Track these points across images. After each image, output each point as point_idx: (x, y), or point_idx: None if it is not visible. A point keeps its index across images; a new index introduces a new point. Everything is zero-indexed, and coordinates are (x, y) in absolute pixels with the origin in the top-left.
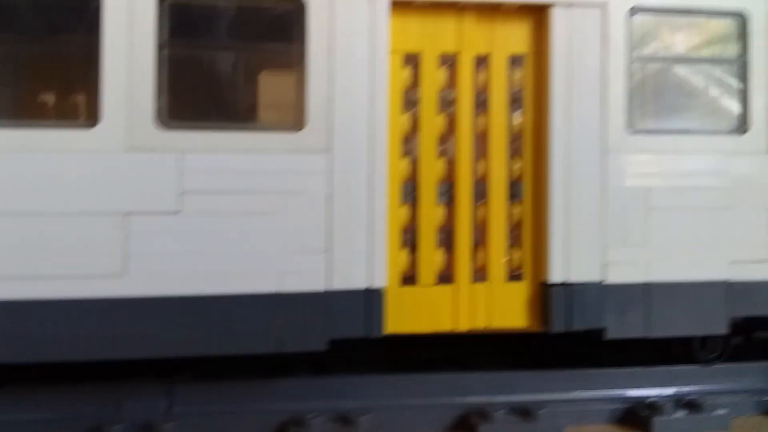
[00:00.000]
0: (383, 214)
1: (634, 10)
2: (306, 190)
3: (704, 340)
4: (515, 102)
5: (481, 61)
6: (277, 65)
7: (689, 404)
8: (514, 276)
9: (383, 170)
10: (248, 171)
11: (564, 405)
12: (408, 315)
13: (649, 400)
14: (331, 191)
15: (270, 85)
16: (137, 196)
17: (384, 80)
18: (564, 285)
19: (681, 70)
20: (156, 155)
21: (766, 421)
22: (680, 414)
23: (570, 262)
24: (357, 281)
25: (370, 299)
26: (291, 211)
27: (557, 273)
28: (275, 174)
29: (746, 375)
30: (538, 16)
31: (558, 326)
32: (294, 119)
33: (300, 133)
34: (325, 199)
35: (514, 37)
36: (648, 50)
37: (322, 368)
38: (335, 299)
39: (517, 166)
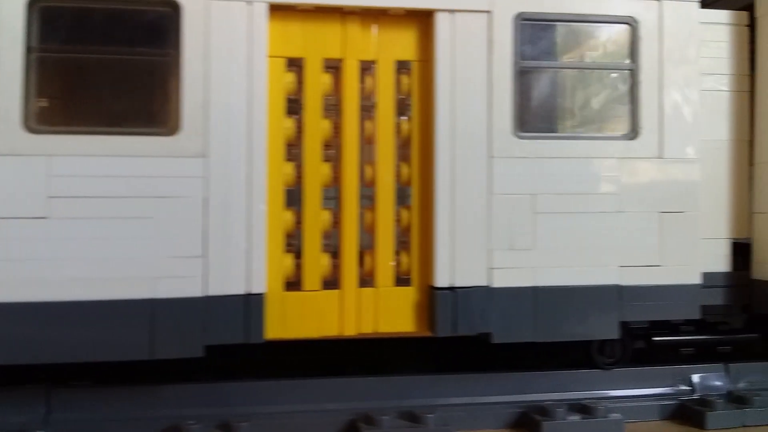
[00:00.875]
0: (262, 219)
1: (520, 17)
2: (181, 195)
3: (602, 345)
4: (404, 107)
5: (369, 67)
6: (151, 69)
7: (583, 408)
8: (403, 280)
9: (262, 175)
10: (120, 175)
11: (454, 409)
12: (292, 320)
13: (545, 403)
14: (208, 196)
15: (143, 89)
16: (3, 200)
17: (263, 85)
18: (450, 289)
19: (570, 76)
20: (23, 159)
21: (662, 426)
22: (573, 418)
23: (455, 267)
24: (235, 287)
25: (249, 305)
26: (165, 215)
27: (443, 277)
28: (148, 178)
29: (646, 379)
30: (424, 22)
31: (443, 330)
32: (168, 123)
33: (174, 138)
34: (202, 204)
35: (401, 43)
36: (535, 56)
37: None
38: (212, 305)
39: (406, 171)
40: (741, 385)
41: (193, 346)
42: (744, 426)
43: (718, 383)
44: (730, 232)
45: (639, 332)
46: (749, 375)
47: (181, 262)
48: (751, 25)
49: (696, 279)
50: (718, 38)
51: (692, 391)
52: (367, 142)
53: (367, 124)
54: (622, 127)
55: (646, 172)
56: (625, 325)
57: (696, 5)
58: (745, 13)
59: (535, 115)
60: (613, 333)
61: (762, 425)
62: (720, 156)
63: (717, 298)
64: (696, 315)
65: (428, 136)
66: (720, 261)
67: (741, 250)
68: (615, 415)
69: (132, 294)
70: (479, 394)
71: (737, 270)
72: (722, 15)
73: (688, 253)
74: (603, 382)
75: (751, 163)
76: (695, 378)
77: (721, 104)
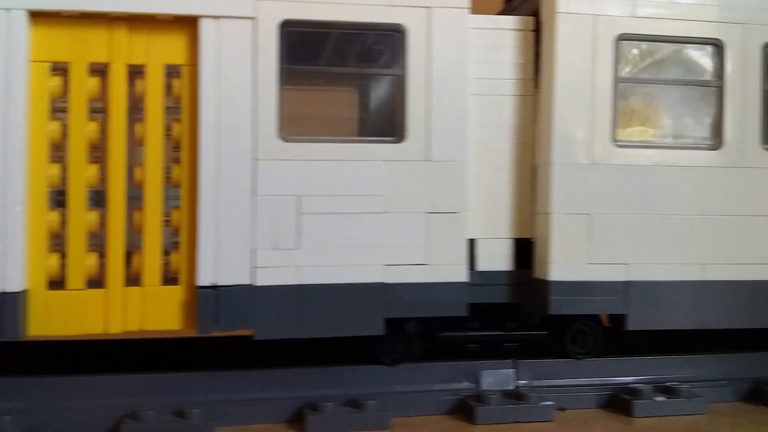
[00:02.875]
0: (19, 220)
1: (285, 24)
2: None
3: (383, 342)
4: (175, 111)
5: (139, 71)
6: None
7: (353, 403)
8: (171, 279)
9: (19, 176)
10: None
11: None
12: (56, 318)
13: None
14: None
15: None
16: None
17: (21, 88)
18: (212, 288)
19: (339, 81)
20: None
21: (436, 420)
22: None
23: (219, 266)
24: None
25: (4, 303)
26: None
27: (206, 276)
28: None
29: (432, 375)
30: (192, 28)
31: (205, 328)
32: None
33: None
34: None
35: (171, 48)
36: (303, 62)
37: None
38: None
39: (177, 172)
40: (525, 381)
41: None
42: (516, 422)
43: (504, 379)
44: (513, 232)
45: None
46: (534, 371)
47: None
48: (538, 30)
49: (462, 277)
50: (503, 44)
51: (477, 387)
52: (137, 144)
53: (137, 127)
54: (390, 130)
55: (412, 174)
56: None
57: (466, 12)
58: (530, 18)
59: (302, 119)
60: (377, 329)
61: (538, 421)
62: (503, 158)
63: (498, 295)
64: (463, 312)
65: (196, 138)
66: (501, 260)
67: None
68: (381, 409)
69: None
70: (256, 390)
71: (521, 269)
72: (508, 20)
73: (454, 252)
74: (387, 377)
75: (533, 165)
76: (484, 374)
77: (505, 108)
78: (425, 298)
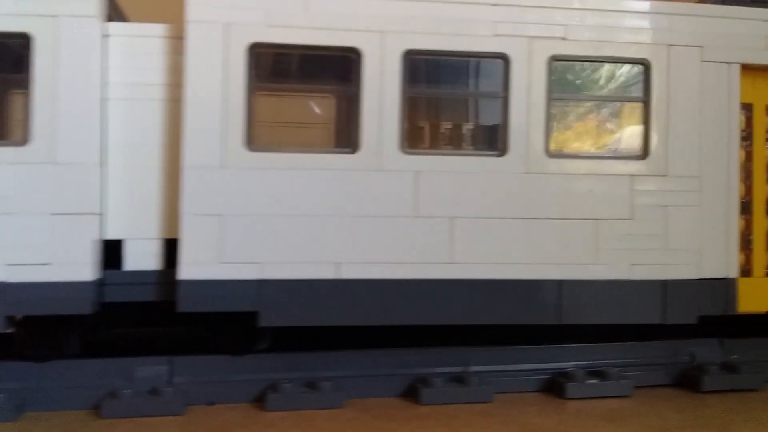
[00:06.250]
0: None
1: None
2: None
3: (28, 335)
4: None
5: None
6: None
7: None
8: None
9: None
10: None
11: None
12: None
13: None
14: None
15: None
16: None
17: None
18: None
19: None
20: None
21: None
22: None
23: None
24: None
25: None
26: None
27: None
28: None
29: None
30: None
31: None
32: None
33: None
34: None
35: None
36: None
37: None
38: None
39: None
40: (184, 377)
41: None
42: (146, 416)
43: (158, 375)
44: (163, 233)
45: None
46: (190, 367)
47: None
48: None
49: (87, 276)
50: (151, 50)
51: (130, 384)
52: None
53: None
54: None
55: (37, 176)
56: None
57: (96, 20)
58: (177, 26)
59: None
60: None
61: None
62: (153, 160)
63: (147, 294)
64: (88, 310)
65: None
66: (151, 259)
67: None
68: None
69: None
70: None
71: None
72: (155, 28)
73: (81, 252)
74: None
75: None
76: (139, 370)
77: (155, 112)
78: (47, 297)
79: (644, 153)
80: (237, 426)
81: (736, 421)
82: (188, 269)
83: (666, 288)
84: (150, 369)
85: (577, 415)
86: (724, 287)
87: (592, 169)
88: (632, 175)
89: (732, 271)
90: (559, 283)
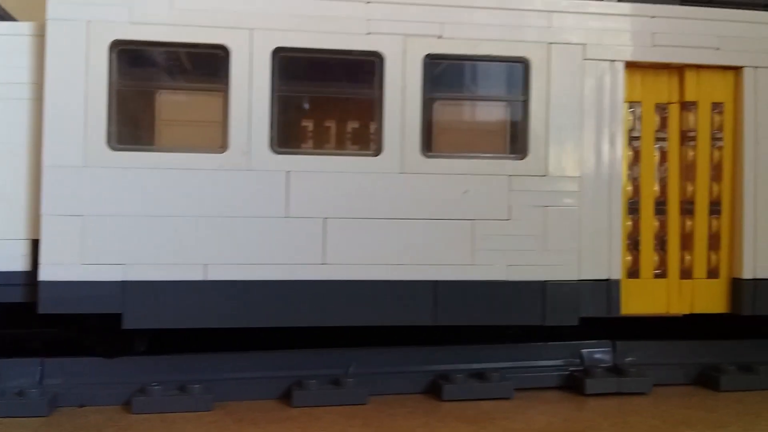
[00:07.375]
0: None
1: None
2: None
3: None
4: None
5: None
6: None
7: None
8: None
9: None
10: None
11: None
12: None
13: None
14: None
15: None
16: None
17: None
18: None
19: None
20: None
21: None
22: None
23: None
24: None
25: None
26: None
27: None
28: None
29: None
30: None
31: None
32: None
33: None
34: None
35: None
36: None
37: None
38: None
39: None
40: (55, 379)
41: None
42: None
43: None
44: (31, 233)
45: None
46: (63, 369)
47: None
48: None
49: None
50: (17, 49)
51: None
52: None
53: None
54: None
55: None
56: None
57: None
58: (40, 24)
59: None
60: None
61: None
62: (19, 159)
63: (14, 296)
64: None
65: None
66: (18, 260)
67: None
68: None
69: None
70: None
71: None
72: (23, 26)
73: None
74: None
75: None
76: (9, 372)
77: (22, 111)
78: None
79: (523, 152)
80: (93, 428)
81: (604, 425)
82: (49, 270)
83: (545, 289)
84: (21, 370)
85: (444, 418)
86: (606, 289)
87: (470, 169)
88: (510, 175)
89: (615, 272)
90: (435, 284)
